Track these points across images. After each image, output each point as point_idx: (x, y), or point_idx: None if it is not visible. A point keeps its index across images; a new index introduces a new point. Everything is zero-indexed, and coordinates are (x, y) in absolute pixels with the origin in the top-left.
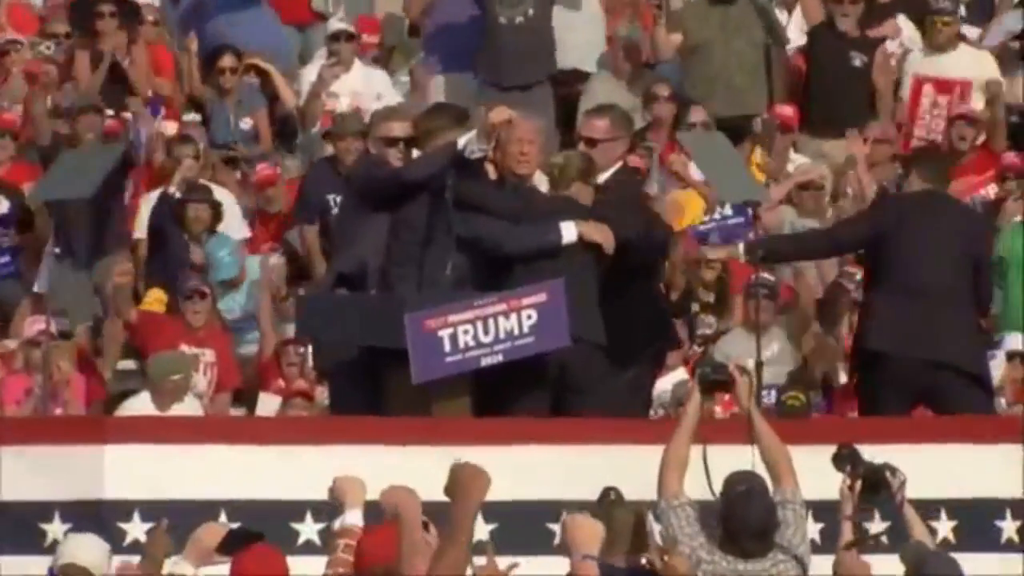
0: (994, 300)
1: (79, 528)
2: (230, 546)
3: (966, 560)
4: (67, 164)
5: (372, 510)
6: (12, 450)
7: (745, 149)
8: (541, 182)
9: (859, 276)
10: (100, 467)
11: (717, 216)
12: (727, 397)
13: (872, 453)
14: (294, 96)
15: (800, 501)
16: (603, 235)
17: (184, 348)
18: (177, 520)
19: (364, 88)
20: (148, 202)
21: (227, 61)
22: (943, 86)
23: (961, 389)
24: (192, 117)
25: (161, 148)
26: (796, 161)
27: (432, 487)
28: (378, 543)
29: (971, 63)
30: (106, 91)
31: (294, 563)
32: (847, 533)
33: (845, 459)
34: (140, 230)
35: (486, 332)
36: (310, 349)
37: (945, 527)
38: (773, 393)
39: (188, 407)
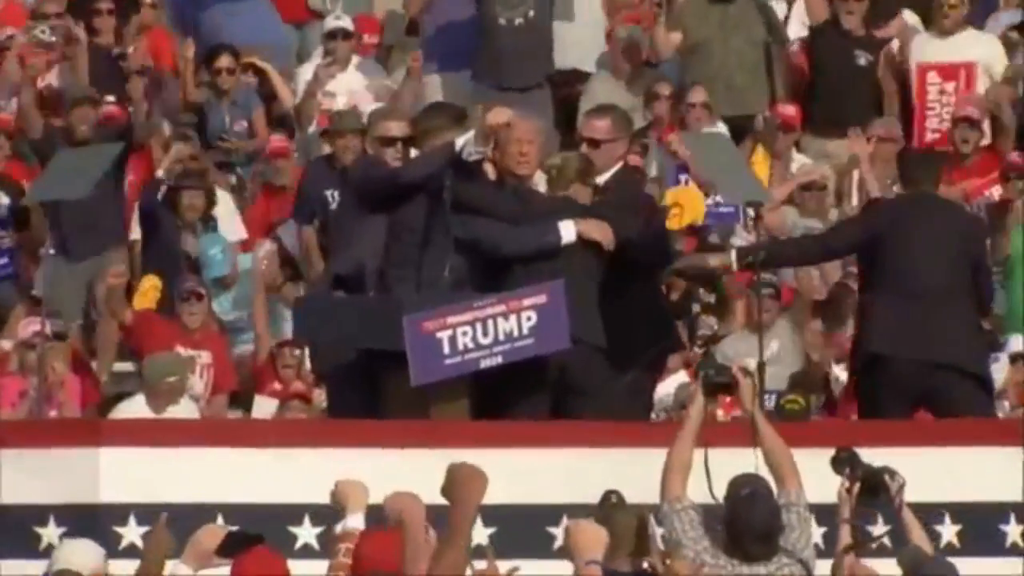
0: (998, 301)
1: (74, 532)
2: (229, 549)
3: (970, 564)
4: (63, 163)
5: (372, 514)
6: (7, 453)
7: (746, 148)
8: (540, 182)
9: None
10: (95, 470)
11: (710, 202)
12: (729, 400)
13: (874, 457)
14: (291, 95)
15: (804, 504)
16: (602, 232)
17: (180, 350)
18: (173, 524)
19: (361, 86)
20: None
21: (224, 61)
22: (947, 72)
23: (961, 390)
24: (188, 118)
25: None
26: (799, 161)
27: (431, 490)
28: (377, 548)
29: (975, 45)
30: (104, 79)
31: (292, 567)
32: (845, 536)
33: (844, 462)
34: (136, 231)
35: (485, 334)
36: (307, 351)
37: (949, 531)
38: (774, 397)
39: (184, 409)
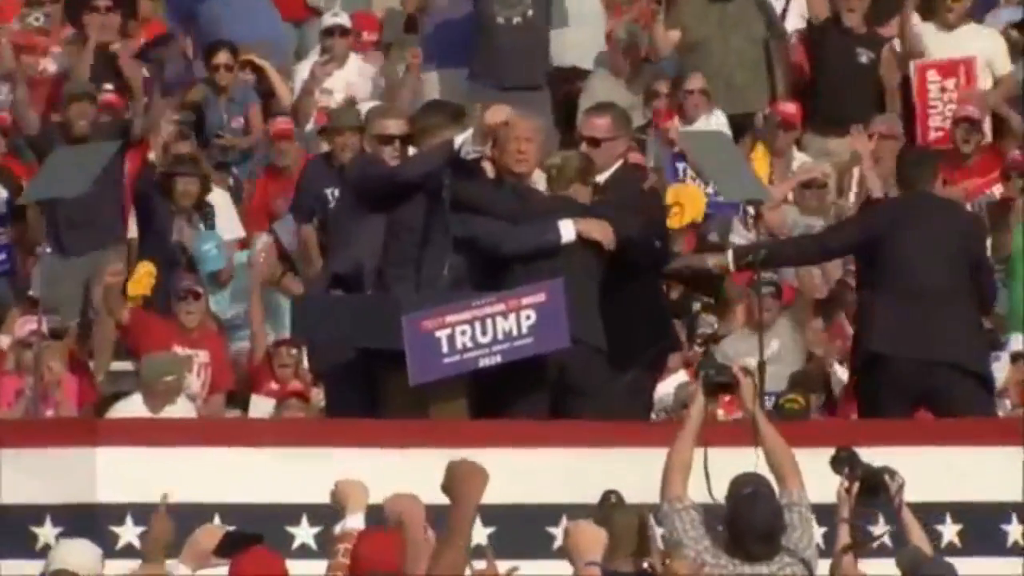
0: (999, 300)
1: (71, 532)
2: (228, 549)
3: (971, 564)
4: (60, 162)
5: (372, 514)
6: (3, 452)
7: (746, 146)
8: (540, 181)
9: None
10: (92, 470)
11: (709, 190)
12: (729, 399)
13: (875, 456)
14: (289, 93)
15: (806, 504)
16: (602, 232)
17: (177, 349)
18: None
19: (359, 82)
20: None
21: (222, 58)
22: (946, 69)
23: (961, 389)
24: (186, 116)
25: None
26: (800, 159)
27: (430, 490)
28: (376, 548)
29: (976, 39)
30: (103, 77)
31: (290, 567)
32: (844, 536)
33: (843, 461)
34: (133, 230)
35: (484, 333)
36: (305, 351)
37: (950, 531)
38: (773, 398)
39: (181, 409)
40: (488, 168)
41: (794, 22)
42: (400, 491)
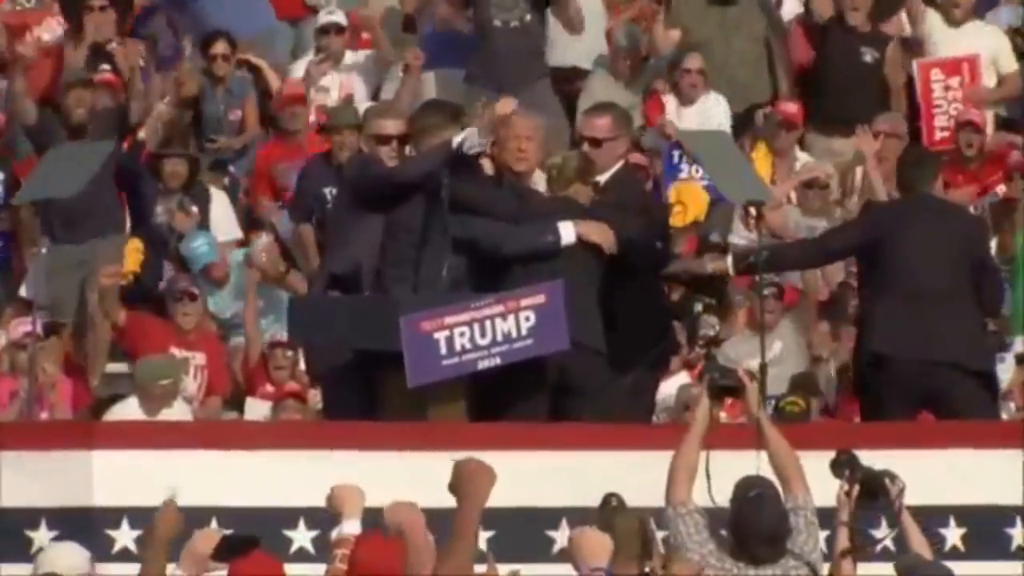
0: (1005, 301)
1: (66, 535)
2: (225, 553)
3: (975, 568)
4: (54, 162)
5: (369, 517)
6: None
7: (747, 146)
8: (540, 181)
9: None
10: (88, 473)
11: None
12: (731, 402)
13: (878, 459)
14: None
15: (811, 508)
16: (603, 235)
17: (174, 351)
18: None
19: (356, 81)
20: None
21: (220, 48)
22: (950, 67)
23: (964, 390)
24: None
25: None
26: (802, 159)
27: (428, 492)
28: (373, 553)
29: (981, 37)
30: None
31: (287, 571)
32: (843, 540)
33: (843, 465)
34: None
35: (483, 334)
36: (301, 352)
37: (954, 534)
38: (773, 400)
39: (178, 412)
40: (487, 165)
41: (792, 7)
42: (398, 494)
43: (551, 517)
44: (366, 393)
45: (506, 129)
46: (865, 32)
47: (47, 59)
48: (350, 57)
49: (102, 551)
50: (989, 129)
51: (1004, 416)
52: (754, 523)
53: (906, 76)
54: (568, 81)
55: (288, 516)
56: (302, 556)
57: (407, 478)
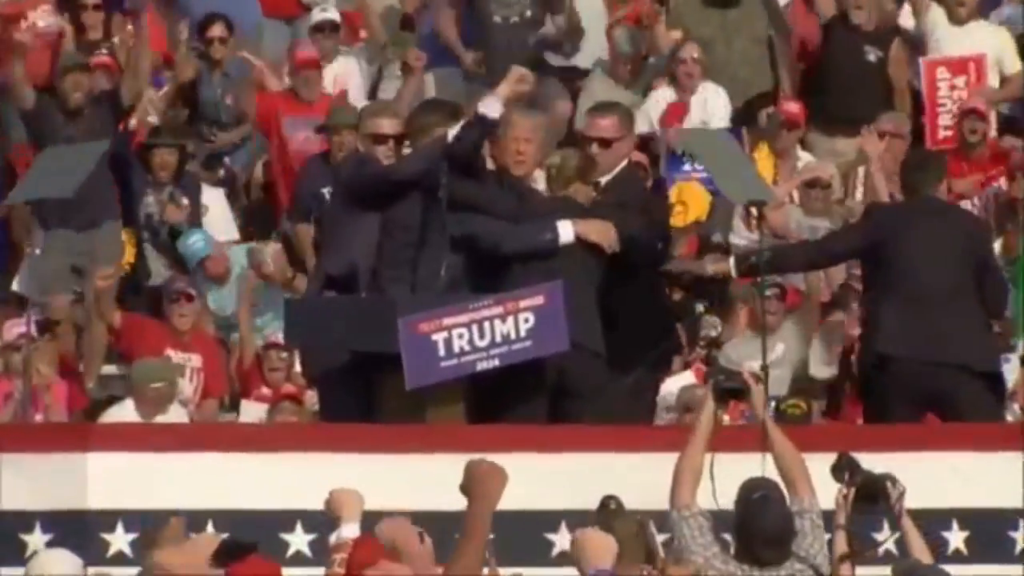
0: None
1: (61, 539)
2: (223, 558)
3: (979, 571)
4: (49, 162)
5: (368, 520)
6: None
7: (749, 145)
8: (540, 181)
9: None
10: (83, 476)
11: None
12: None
13: (881, 462)
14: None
15: (817, 511)
16: (603, 234)
17: (170, 352)
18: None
19: (351, 78)
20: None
21: (217, 30)
22: (956, 67)
23: (969, 391)
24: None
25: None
26: (805, 159)
27: (426, 495)
28: (371, 555)
29: (985, 36)
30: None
31: (284, 575)
32: (841, 544)
33: (843, 468)
34: None
35: (482, 336)
36: (297, 354)
37: (957, 538)
38: (774, 402)
39: (174, 414)
40: (489, 160)
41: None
42: (397, 497)
43: (550, 520)
44: (363, 395)
45: (504, 130)
46: (869, 31)
47: (45, 49)
48: (344, 53)
49: (97, 555)
50: (992, 132)
51: (1009, 418)
52: (759, 525)
53: (910, 75)
54: (567, 80)
55: (286, 519)
56: (300, 560)
57: (405, 481)
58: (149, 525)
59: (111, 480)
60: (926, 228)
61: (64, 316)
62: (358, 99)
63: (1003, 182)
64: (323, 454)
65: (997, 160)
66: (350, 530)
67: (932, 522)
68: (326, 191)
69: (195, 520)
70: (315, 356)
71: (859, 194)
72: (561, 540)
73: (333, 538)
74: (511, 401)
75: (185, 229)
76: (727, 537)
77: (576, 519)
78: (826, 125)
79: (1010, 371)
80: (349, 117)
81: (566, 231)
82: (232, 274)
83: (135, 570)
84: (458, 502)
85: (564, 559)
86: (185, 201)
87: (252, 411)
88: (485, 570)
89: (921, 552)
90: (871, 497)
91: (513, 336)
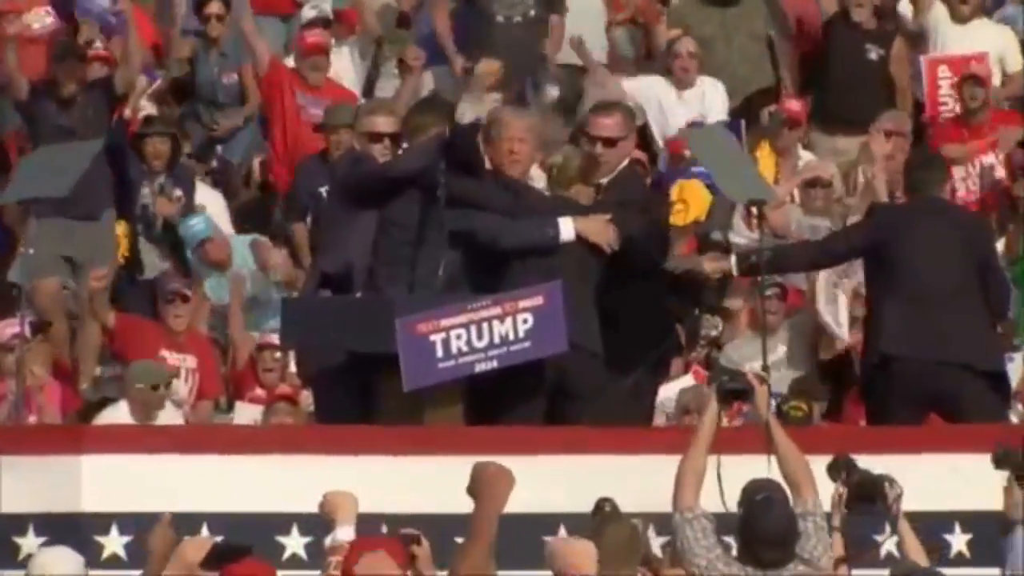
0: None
1: (55, 542)
2: (215, 561)
3: (981, 575)
4: (41, 161)
5: (363, 522)
6: None
7: (750, 144)
8: (538, 179)
9: None
10: (77, 478)
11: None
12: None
13: (882, 464)
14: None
15: (820, 513)
16: (602, 232)
17: (165, 353)
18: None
19: (345, 75)
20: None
21: (214, 7)
22: (958, 65)
23: (972, 390)
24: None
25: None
26: (806, 158)
27: (424, 497)
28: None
29: (989, 35)
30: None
31: None
32: (837, 547)
33: (840, 469)
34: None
35: (480, 337)
36: (292, 354)
37: (959, 540)
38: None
39: (168, 415)
40: (486, 158)
41: None
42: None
43: (549, 522)
44: (360, 396)
45: (499, 130)
46: (870, 29)
47: (40, 44)
48: (336, 47)
49: (91, 557)
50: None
51: (1013, 418)
52: (763, 526)
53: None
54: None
55: (281, 522)
56: (295, 563)
57: (403, 483)
58: (143, 528)
59: (105, 482)
60: (928, 228)
61: (52, 305)
62: (351, 91)
63: (999, 155)
64: (319, 456)
65: (995, 127)
66: (345, 533)
67: (934, 524)
68: (323, 190)
69: (190, 522)
70: (311, 356)
71: (859, 193)
72: (547, 553)
73: (328, 541)
74: (509, 402)
75: (179, 221)
76: (728, 540)
77: (575, 522)
78: (827, 124)
79: (1014, 370)
80: (346, 116)
81: (567, 228)
82: (233, 264)
83: (129, 573)
84: (456, 504)
85: (553, 570)
86: (178, 193)
87: (247, 413)
88: None
89: (917, 554)
90: (868, 497)
91: (512, 337)
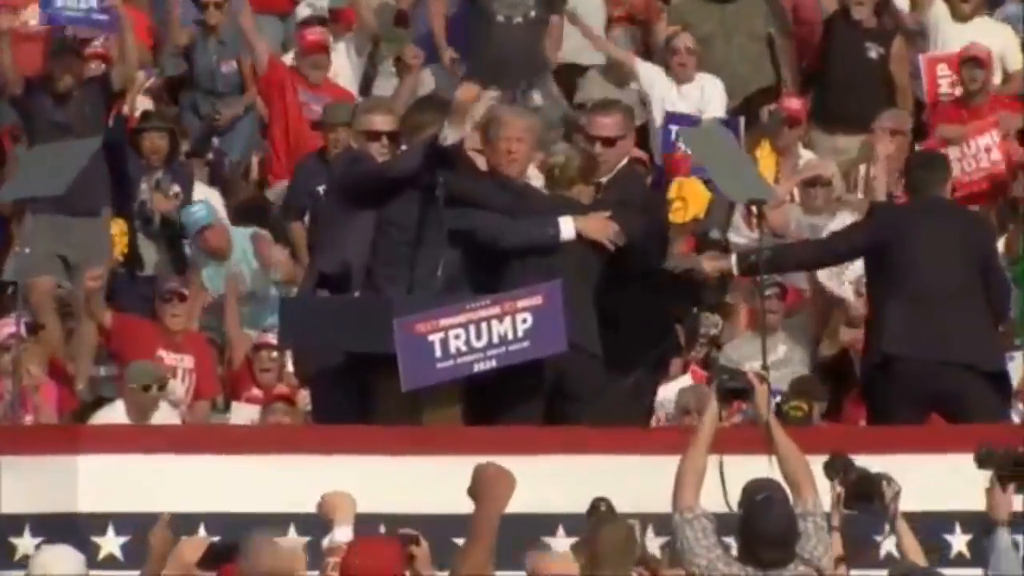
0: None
1: (51, 542)
2: (211, 561)
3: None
4: (38, 160)
5: (361, 523)
6: None
7: (749, 143)
8: (535, 178)
9: None
10: (74, 478)
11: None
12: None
13: (882, 463)
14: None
15: (821, 513)
16: (603, 231)
17: (162, 353)
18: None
19: (343, 72)
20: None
21: None
22: (956, 64)
23: (974, 390)
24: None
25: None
26: (806, 157)
27: (422, 498)
28: (367, 557)
29: (990, 34)
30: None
31: None
32: (836, 546)
33: (837, 467)
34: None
35: (479, 337)
36: (289, 354)
37: (959, 541)
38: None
39: (165, 415)
40: (480, 161)
41: None
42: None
43: (548, 522)
44: (358, 396)
45: (496, 130)
46: (870, 28)
47: (37, 43)
48: (333, 46)
49: (87, 558)
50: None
51: (1015, 417)
52: (763, 526)
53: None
54: (566, 78)
55: (279, 522)
56: None
57: (401, 483)
58: (140, 528)
59: (101, 482)
60: (930, 228)
61: (46, 302)
62: (350, 86)
63: (996, 135)
64: (317, 456)
65: (995, 108)
66: (343, 533)
67: (934, 524)
68: (321, 189)
69: (187, 523)
70: (310, 356)
71: (859, 192)
72: (558, 543)
73: (326, 541)
74: (508, 403)
75: (176, 218)
76: (729, 540)
77: (574, 522)
78: (827, 122)
79: (1015, 370)
80: (344, 114)
81: (567, 227)
82: (232, 255)
83: (126, 573)
84: (455, 505)
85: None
86: (176, 189)
87: (244, 413)
88: None
89: (915, 554)
90: (866, 496)
91: (510, 337)
